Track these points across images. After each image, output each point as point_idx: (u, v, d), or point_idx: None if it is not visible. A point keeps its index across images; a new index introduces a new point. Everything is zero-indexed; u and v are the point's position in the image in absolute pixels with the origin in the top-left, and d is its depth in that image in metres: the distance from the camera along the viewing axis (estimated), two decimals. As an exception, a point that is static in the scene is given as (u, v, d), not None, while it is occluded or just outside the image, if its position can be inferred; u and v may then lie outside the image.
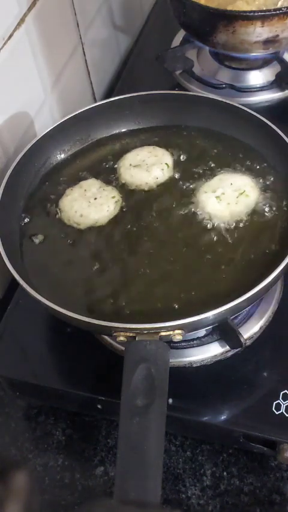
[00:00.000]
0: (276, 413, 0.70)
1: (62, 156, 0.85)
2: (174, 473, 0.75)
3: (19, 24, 0.85)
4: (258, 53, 0.96)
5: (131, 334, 0.62)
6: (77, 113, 0.84)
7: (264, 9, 0.95)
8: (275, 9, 0.88)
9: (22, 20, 0.86)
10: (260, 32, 0.90)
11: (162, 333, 0.61)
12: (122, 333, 0.62)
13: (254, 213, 0.75)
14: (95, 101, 1.15)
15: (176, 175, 0.81)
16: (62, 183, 0.82)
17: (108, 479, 0.75)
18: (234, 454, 0.76)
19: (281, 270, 0.65)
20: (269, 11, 0.88)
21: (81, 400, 0.77)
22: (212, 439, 0.77)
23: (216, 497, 0.73)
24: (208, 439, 0.77)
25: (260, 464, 0.75)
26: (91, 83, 1.14)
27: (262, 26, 0.89)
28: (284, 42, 0.93)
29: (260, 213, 0.75)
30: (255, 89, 1.04)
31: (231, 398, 0.73)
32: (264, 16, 0.88)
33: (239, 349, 0.73)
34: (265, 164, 0.80)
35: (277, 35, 0.91)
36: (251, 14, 0.88)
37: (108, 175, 0.82)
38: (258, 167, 0.80)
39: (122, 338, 0.62)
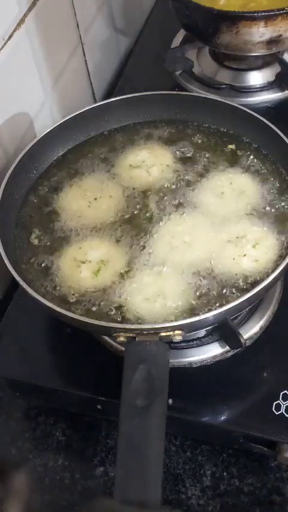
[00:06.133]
0: (276, 413, 0.71)
1: (62, 156, 0.85)
2: (174, 473, 0.75)
3: (19, 25, 0.86)
4: (261, 53, 0.96)
5: (131, 335, 0.62)
6: (77, 113, 0.84)
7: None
8: (278, 9, 0.88)
9: (22, 20, 0.86)
10: (263, 32, 0.90)
11: (162, 334, 0.61)
12: (122, 334, 0.62)
13: (254, 212, 0.75)
14: (95, 101, 1.15)
15: (176, 175, 0.81)
16: (62, 183, 0.82)
17: (108, 480, 0.75)
18: (234, 455, 0.76)
19: (281, 270, 0.65)
20: (273, 10, 0.88)
21: (81, 400, 0.77)
22: (212, 440, 0.77)
23: (216, 498, 0.73)
24: (208, 439, 0.77)
25: (260, 464, 0.75)
26: (91, 83, 1.14)
27: (265, 26, 0.89)
28: (287, 42, 0.93)
29: (259, 212, 0.75)
30: (255, 89, 1.04)
31: (231, 399, 0.73)
32: (268, 16, 0.88)
33: (239, 349, 0.74)
34: (264, 164, 0.80)
35: (280, 35, 0.91)
36: (255, 14, 0.88)
37: (108, 175, 0.82)
38: (257, 167, 0.80)
39: (122, 338, 0.62)
